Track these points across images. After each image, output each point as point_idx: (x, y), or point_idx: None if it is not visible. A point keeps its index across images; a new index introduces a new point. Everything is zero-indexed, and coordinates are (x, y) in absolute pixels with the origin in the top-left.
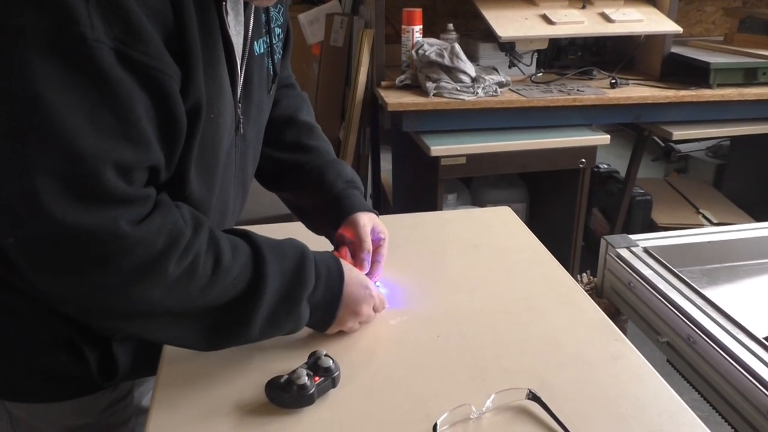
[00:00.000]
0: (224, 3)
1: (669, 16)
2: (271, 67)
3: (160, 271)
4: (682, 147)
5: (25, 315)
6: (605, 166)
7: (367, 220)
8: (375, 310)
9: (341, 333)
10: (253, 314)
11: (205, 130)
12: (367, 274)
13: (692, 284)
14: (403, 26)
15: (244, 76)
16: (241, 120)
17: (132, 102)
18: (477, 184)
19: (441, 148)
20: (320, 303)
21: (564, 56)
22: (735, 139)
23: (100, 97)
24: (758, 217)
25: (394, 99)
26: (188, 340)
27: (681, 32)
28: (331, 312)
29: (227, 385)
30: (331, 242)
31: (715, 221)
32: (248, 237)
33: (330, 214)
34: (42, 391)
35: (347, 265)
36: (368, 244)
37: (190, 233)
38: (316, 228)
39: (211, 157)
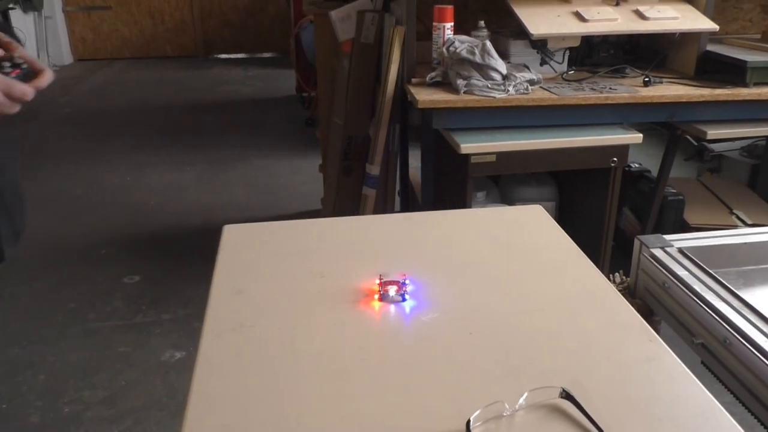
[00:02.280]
0: None
1: (705, 13)
2: None
3: None
4: (715, 146)
5: None
6: (636, 166)
7: None
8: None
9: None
10: None
11: None
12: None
13: (729, 286)
14: (434, 23)
15: None
16: None
17: None
18: (506, 182)
19: (471, 145)
20: None
21: (596, 54)
22: None
23: None
24: None
25: (425, 96)
26: None
27: (717, 30)
28: None
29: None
30: None
31: (749, 222)
32: None
33: None
34: None
35: None
36: None
37: None
38: None
39: None
